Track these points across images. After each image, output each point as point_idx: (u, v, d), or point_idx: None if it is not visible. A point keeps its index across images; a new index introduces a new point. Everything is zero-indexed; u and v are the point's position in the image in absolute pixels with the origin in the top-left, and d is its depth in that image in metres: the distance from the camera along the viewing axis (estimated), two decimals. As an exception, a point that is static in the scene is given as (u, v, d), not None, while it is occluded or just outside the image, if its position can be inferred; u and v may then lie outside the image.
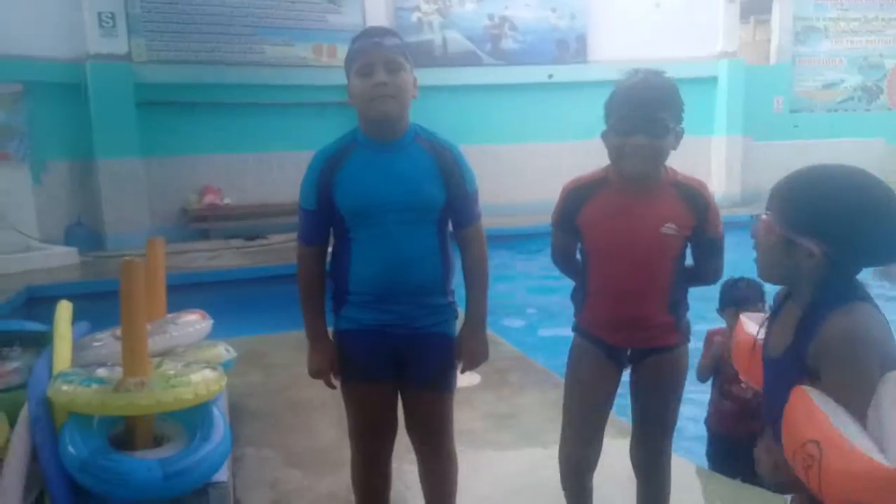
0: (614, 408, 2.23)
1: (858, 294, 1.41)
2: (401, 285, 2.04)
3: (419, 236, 2.04)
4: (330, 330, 2.19)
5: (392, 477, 2.29)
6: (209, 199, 9.98)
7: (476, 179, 2.13)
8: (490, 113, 11.54)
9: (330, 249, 2.17)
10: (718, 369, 3.14)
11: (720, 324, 3.17)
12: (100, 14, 9.13)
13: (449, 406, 2.20)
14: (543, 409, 3.68)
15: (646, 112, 1.88)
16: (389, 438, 2.21)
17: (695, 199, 1.99)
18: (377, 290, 2.05)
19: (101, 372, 2.49)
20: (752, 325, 1.75)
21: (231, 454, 2.88)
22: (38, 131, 8.51)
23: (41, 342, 2.94)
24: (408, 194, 2.01)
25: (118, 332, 2.70)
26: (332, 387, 2.20)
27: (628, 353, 2.11)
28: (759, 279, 1.57)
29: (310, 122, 10.15)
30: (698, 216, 1.98)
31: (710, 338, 3.18)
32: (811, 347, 1.38)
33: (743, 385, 2.97)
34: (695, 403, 3.36)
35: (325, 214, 2.06)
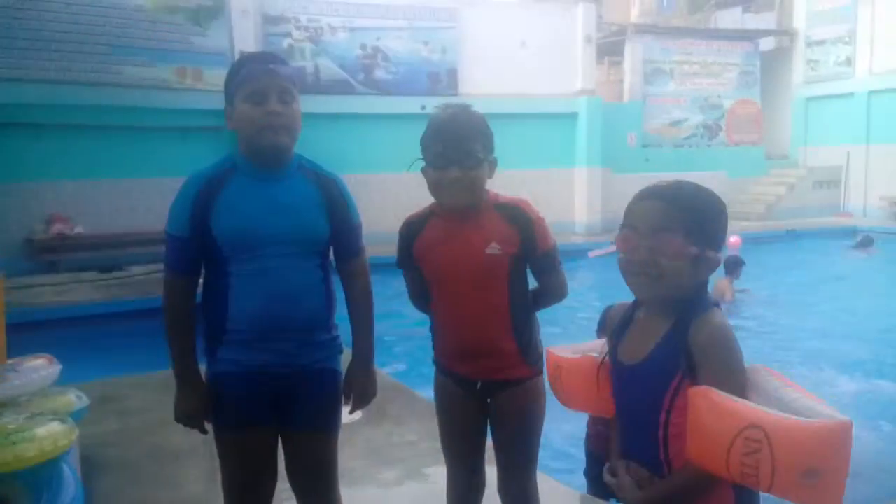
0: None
1: (713, 300, 1.56)
2: (284, 322, 1.93)
3: (302, 270, 1.95)
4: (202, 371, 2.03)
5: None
6: (57, 227, 9.20)
7: (359, 213, 2.09)
8: (363, 142, 11.55)
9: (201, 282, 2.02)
10: None
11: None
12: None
13: (334, 448, 2.10)
14: (425, 441, 3.63)
15: (458, 146, 1.94)
16: (269, 489, 2.06)
17: (517, 218, 2.04)
18: (258, 328, 1.92)
19: (-75, 430, 2.18)
20: (567, 352, 1.80)
21: (84, 514, 2.60)
22: None
23: None
24: (291, 226, 1.92)
25: (-54, 383, 2.38)
26: (205, 432, 2.03)
27: (478, 385, 2.11)
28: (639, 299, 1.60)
29: (172, 148, 9.67)
30: (523, 234, 2.03)
31: None
32: (692, 346, 1.45)
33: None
34: (574, 423, 3.45)
35: (199, 242, 1.92)
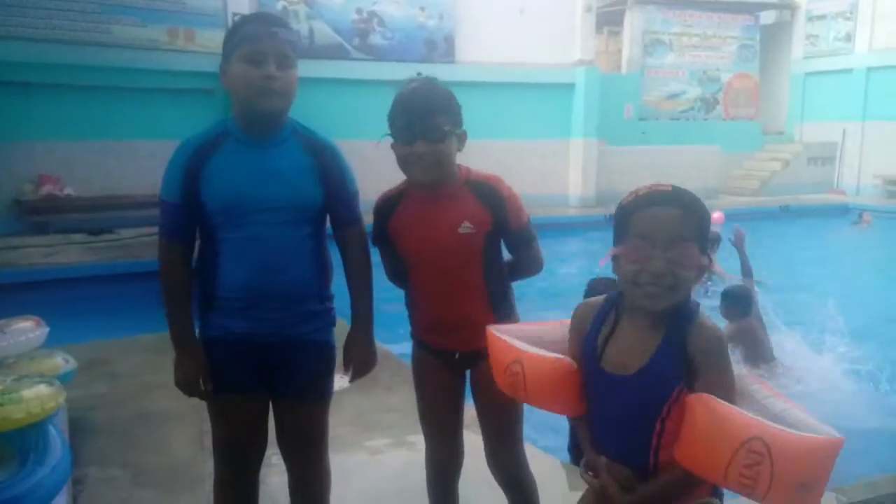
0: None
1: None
2: (273, 291, 1.92)
3: (293, 238, 1.93)
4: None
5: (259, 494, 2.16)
6: (47, 189, 9.10)
7: (356, 181, 2.06)
8: (357, 108, 11.40)
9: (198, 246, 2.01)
10: None
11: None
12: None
13: (324, 416, 2.10)
14: (413, 409, 3.61)
15: (422, 119, 1.91)
16: (259, 453, 2.08)
17: (488, 196, 2.01)
18: (247, 296, 1.91)
19: None
20: (522, 344, 1.68)
21: (71, 476, 2.61)
22: None
23: None
24: (282, 193, 1.89)
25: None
26: (207, 398, 2.00)
27: (456, 356, 2.12)
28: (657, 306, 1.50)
29: (164, 110, 9.53)
30: (495, 212, 2.01)
31: None
32: (692, 353, 1.45)
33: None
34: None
35: (191, 209, 1.90)
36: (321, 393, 2.07)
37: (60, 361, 3.07)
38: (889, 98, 14.11)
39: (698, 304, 1.53)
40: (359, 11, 11.63)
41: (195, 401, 2.04)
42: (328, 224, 2.06)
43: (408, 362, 4.34)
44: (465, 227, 1.98)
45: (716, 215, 10.87)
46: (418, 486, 2.27)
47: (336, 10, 11.52)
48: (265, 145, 1.91)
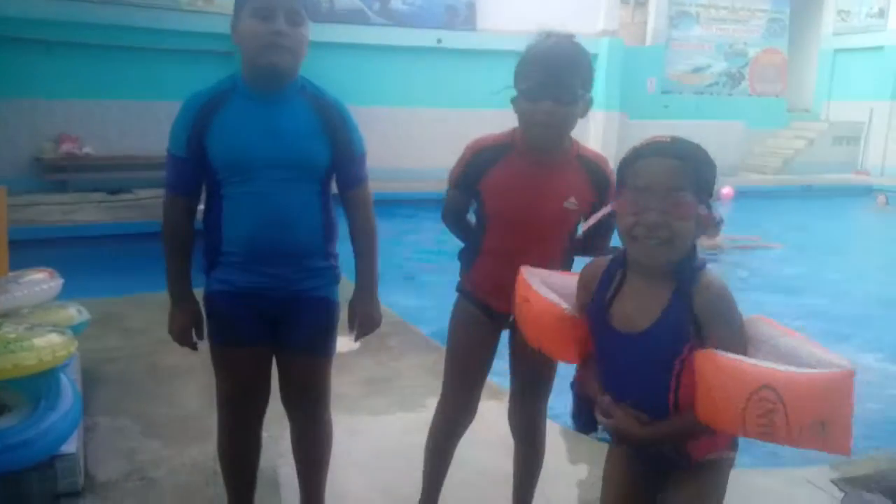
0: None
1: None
2: (276, 246, 1.92)
3: (298, 195, 1.93)
4: (201, 291, 2.05)
5: (262, 446, 2.20)
6: (66, 147, 9.16)
7: (364, 142, 2.03)
8: (377, 74, 11.32)
9: (202, 205, 2.01)
10: None
11: None
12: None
13: (327, 372, 2.13)
14: (420, 374, 3.68)
15: (557, 77, 1.83)
16: (262, 404, 2.11)
17: (597, 175, 1.97)
18: (251, 252, 1.92)
19: (-75, 334, 2.22)
20: (540, 286, 1.72)
21: (82, 424, 2.67)
22: None
23: None
24: (287, 150, 1.89)
25: (-54, 290, 2.41)
26: (195, 348, 2.07)
27: (510, 318, 2.08)
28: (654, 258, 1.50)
29: (183, 71, 9.48)
30: (599, 192, 1.96)
31: None
32: (698, 311, 1.45)
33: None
34: (561, 366, 3.46)
35: (196, 163, 1.90)
36: (324, 348, 2.08)
37: (73, 313, 3.12)
38: (921, 77, 13.76)
39: (704, 261, 1.51)
40: (380, -25, 11.49)
41: (205, 355, 2.07)
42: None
43: (421, 329, 4.40)
44: (571, 202, 1.94)
45: (725, 191, 10.73)
46: (422, 445, 2.29)
47: (357, -26, 11.38)
48: (273, 102, 1.90)
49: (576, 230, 2.04)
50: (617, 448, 1.70)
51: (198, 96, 1.91)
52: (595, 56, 12.60)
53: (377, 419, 3.24)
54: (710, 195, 1.49)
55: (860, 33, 15.00)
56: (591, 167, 1.98)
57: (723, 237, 7.65)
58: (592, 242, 2.06)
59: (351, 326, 2.14)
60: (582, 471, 2.90)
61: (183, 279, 2.01)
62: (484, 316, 2.10)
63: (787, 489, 2.75)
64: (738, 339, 1.45)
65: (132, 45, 9.48)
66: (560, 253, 2.04)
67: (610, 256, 1.64)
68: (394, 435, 3.05)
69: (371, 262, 2.11)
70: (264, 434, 2.19)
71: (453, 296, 2.19)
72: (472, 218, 2.15)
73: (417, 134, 11.23)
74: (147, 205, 7.94)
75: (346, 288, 2.10)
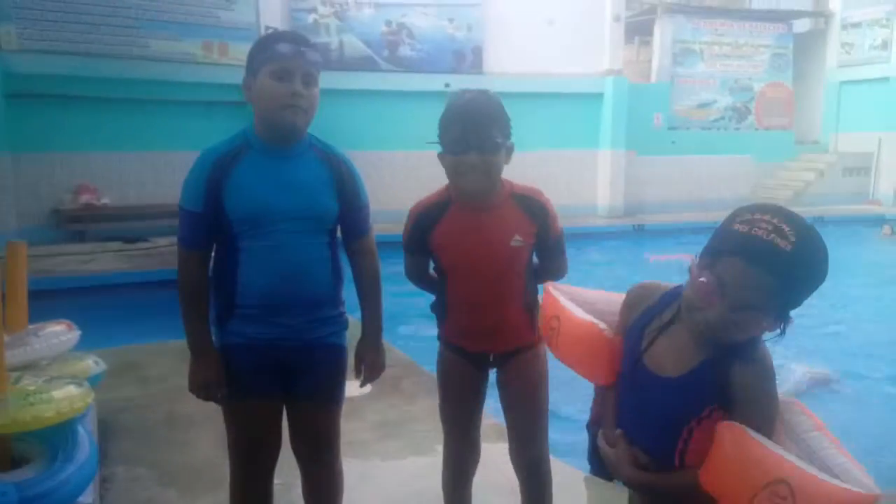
0: (493, 410, 2.28)
1: None
2: (293, 298, 1.98)
3: (311, 247, 2.00)
4: None
5: (274, 495, 2.22)
6: (85, 198, 9.37)
7: (367, 192, 2.14)
8: (386, 119, 11.54)
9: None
10: None
11: None
12: (-38, -4, 8.41)
13: (336, 419, 2.16)
14: (433, 417, 3.65)
15: (476, 131, 1.93)
16: (273, 456, 2.14)
17: (533, 208, 2.06)
18: (267, 303, 1.97)
19: (-52, 389, 2.28)
20: (569, 302, 1.71)
21: (99, 474, 2.70)
22: None
23: None
24: (302, 203, 1.96)
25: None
26: (219, 403, 2.08)
27: (491, 358, 2.18)
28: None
29: (197, 122, 9.75)
30: (539, 223, 2.06)
31: None
32: (734, 385, 1.38)
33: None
34: (576, 406, 3.46)
35: (212, 218, 1.95)
36: (334, 396, 2.13)
37: (91, 364, 3.17)
38: (927, 107, 13.79)
39: (759, 338, 1.41)
40: (388, 24, 11.79)
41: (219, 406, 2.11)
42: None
43: (432, 371, 4.41)
44: (517, 240, 2.03)
45: None
46: (433, 490, 2.31)
47: (366, 23, 11.69)
48: (285, 157, 1.99)
49: (531, 263, 2.12)
50: (637, 495, 1.64)
51: (212, 152, 1.98)
52: (600, 95, 12.79)
53: (389, 464, 3.25)
54: (788, 311, 1.36)
55: (864, 65, 15.10)
56: (525, 202, 2.07)
57: None
58: (544, 265, 2.16)
59: (357, 372, 2.19)
60: (595, 513, 2.88)
61: (204, 333, 2.04)
62: (464, 360, 2.18)
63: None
64: (768, 425, 1.37)
65: (148, 97, 9.76)
66: (521, 289, 2.11)
67: (666, 289, 1.55)
68: (406, 480, 3.05)
69: (376, 310, 2.18)
70: (276, 482, 2.21)
71: None
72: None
73: (426, 176, 11.36)
74: (164, 252, 8.08)
75: (352, 328, 2.15)
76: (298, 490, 2.26)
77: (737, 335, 1.35)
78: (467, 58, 12.20)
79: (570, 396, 2.18)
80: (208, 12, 10.33)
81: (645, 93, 13.88)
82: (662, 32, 14.32)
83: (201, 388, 2.04)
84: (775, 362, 1.43)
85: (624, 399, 1.59)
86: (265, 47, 1.95)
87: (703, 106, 14.69)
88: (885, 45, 14.77)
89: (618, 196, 12.85)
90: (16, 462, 2.36)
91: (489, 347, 2.15)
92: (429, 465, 3.02)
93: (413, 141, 11.77)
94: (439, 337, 2.25)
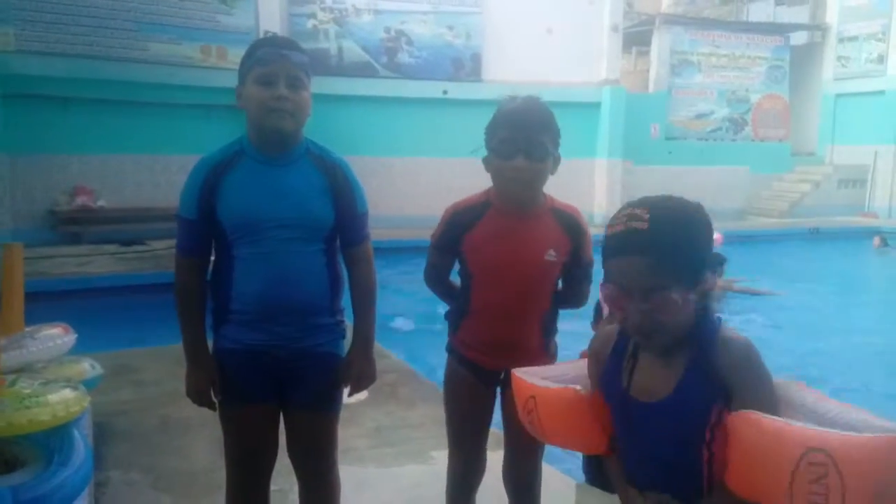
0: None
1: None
2: (285, 305, 1.97)
3: (305, 254, 1.98)
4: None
5: (270, 501, 2.20)
6: (81, 200, 9.35)
7: (366, 201, 2.09)
8: (384, 125, 11.56)
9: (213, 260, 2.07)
10: None
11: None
12: (-39, -4, 8.40)
13: (333, 427, 2.14)
14: (429, 425, 3.67)
15: (527, 135, 1.90)
16: (269, 461, 2.12)
17: (572, 226, 2.03)
18: (260, 310, 1.97)
19: (-57, 391, 2.26)
20: (539, 381, 1.63)
21: (94, 479, 2.68)
22: None
23: None
24: (295, 211, 1.95)
25: (-35, 347, 2.46)
26: (214, 409, 2.08)
27: (501, 375, 2.13)
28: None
29: (196, 125, 9.76)
30: (575, 243, 2.02)
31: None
32: (723, 370, 1.34)
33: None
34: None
35: (207, 225, 1.96)
36: (329, 404, 2.10)
37: (87, 367, 3.15)
38: (923, 120, 13.88)
39: (720, 319, 1.41)
40: (387, 30, 11.82)
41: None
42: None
43: (429, 378, 4.40)
44: (551, 254, 1.99)
45: (714, 237, 10.76)
46: (430, 498, 2.30)
47: (365, 29, 11.73)
48: (279, 164, 1.97)
49: (557, 282, 2.09)
50: None
51: (207, 160, 1.98)
52: (598, 105, 12.84)
53: (386, 471, 3.23)
54: (705, 264, 1.37)
55: (860, 78, 15.21)
56: (564, 218, 2.05)
57: (731, 280, 7.66)
58: (568, 289, 2.12)
59: (346, 381, 2.12)
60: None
61: (199, 339, 2.04)
62: (474, 377, 2.13)
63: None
64: (769, 400, 1.32)
65: (146, 100, 9.76)
66: (545, 308, 2.07)
67: (615, 325, 1.52)
68: (403, 487, 3.04)
69: (368, 319, 2.11)
70: (273, 488, 2.19)
71: None
72: (456, 281, 2.19)
73: (423, 182, 11.39)
74: (160, 255, 8.06)
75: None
76: (295, 496, 2.25)
77: (665, 318, 1.34)
78: (466, 65, 12.24)
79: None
80: (207, 16, 10.35)
81: (642, 103, 13.94)
82: (660, 43, 14.41)
83: (195, 394, 2.05)
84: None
85: (628, 449, 1.51)
86: (250, 54, 1.96)
87: (700, 117, 14.77)
88: (880, 59, 14.88)
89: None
90: (11, 466, 2.34)
91: (498, 364, 2.09)
92: (426, 473, 3.01)
93: (411, 147, 11.82)
94: (449, 349, 2.20)
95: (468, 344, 2.14)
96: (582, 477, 3.26)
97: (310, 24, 11.34)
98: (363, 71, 11.69)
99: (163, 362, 4.56)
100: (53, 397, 2.39)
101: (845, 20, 15.57)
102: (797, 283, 9.20)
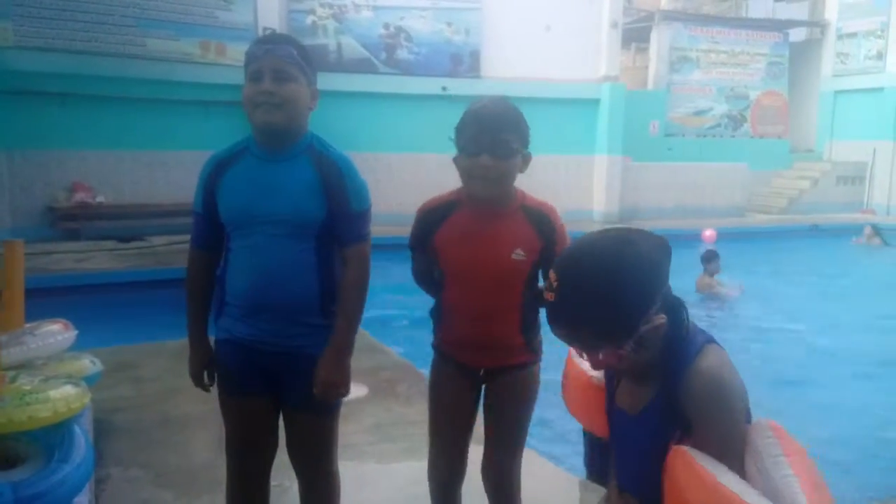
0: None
1: (705, 336, 1.42)
2: (271, 300, 1.97)
3: (293, 251, 1.97)
4: (212, 338, 2.14)
5: (270, 496, 2.21)
6: (79, 196, 9.34)
7: (367, 200, 2.04)
8: (383, 121, 11.55)
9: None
10: None
11: None
12: (-41, -8, 8.38)
13: (330, 428, 2.12)
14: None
15: (491, 133, 1.92)
16: (266, 455, 2.13)
17: (542, 224, 2.03)
18: (248, 304, 2.00)
19: (-56, 388, 2.26)
20: (577, 358, 1.74)
21: (94, 475, 2.69)
22: None
23: None
24: (282, 207, 1.94)
25: (-35, 343, 2.46)
26: (207, 390, 2.16)
27: (481, 372, 2.14)
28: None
29: (194, 121, 9.75)
30: (546, 240, 2.01)
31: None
32: (685, 400, 1.35)
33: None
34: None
35: (210, 219, 2.04)
36: (326, 406, 2.07)
37: (87, 364, 3.16)
38: (921, 117, 13.89)
39: (703, 344, 1.40)
40: (386, 27, 11.80)
41: (216, 404, 2.12)
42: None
43: (427, 375, 4.40)
44: (518, 253, 1.99)
45: (708, 233, 10.78)
46: (428, 495, 2.30)
47: (364, 26, 11.70)
48: (277, 160, 1.98)
49: (534, 280, 2.07)
50: None
51: (214, 157, 2.05)
52: (597, 101, 12.83)
53: (385, 468, 3.24)
54: (646, 308, 1.34)
55: (859, 74, 15.21)
56: (535, 216, 2.04)
57: (717, 282, 7.69)
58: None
59: (315, 388, 1.98)
60: (592, 520, 2.88)
61: (199, 325, 2.12)
62: (457, 373, 2.14)
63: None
64: (725, 441, 1.32)
65: (145, 96, 9.73)
66: (517, 306, 2.05)
67: None
68: (402, 485, 3.05)
69: (349, 320, 2.00)
70: (273, 483, 2.20)
71: None
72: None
73: (424, 177, 11.37)
74: (159, 252, 8.04)
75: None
76: (295, 492, 2.26)
77: (622, 365, 1.39)
78: (465, 62, 12.22)
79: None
80: (206, 12, 10.31)
81: (641, 99, 13.94)
82: (659, 40, 14.40)
83: (192, 376, 2.15)
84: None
85: (613, 440, 1.60)
86: (246, 53, 2.00)
87: (699, 113, 14.77)
88: (879, 56, 14.88)
89: (613, 202, 12.88)
90: (11, 462, 2.34)
91: (479, 361, 2.11)
92: (425, 470, 3.01)
93: (410, 143, 11.80)
94: (434, 345, 2.21)
95: (448, 341, 2.15)
96: (584, 472, 3.29)
97: (309, 20, 11.32)
98: (362, 67, 11.67)
99: (162, 358, 4.56)
100: (54, 394, 2.40)
101: (844, 17, 15.56)
102: (793, 278, 9.21)
